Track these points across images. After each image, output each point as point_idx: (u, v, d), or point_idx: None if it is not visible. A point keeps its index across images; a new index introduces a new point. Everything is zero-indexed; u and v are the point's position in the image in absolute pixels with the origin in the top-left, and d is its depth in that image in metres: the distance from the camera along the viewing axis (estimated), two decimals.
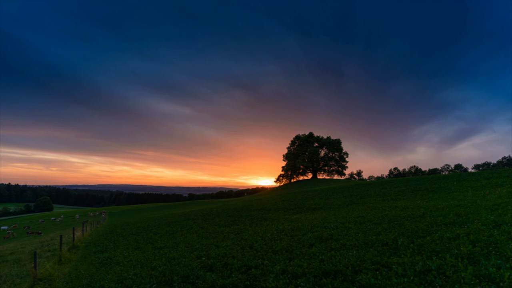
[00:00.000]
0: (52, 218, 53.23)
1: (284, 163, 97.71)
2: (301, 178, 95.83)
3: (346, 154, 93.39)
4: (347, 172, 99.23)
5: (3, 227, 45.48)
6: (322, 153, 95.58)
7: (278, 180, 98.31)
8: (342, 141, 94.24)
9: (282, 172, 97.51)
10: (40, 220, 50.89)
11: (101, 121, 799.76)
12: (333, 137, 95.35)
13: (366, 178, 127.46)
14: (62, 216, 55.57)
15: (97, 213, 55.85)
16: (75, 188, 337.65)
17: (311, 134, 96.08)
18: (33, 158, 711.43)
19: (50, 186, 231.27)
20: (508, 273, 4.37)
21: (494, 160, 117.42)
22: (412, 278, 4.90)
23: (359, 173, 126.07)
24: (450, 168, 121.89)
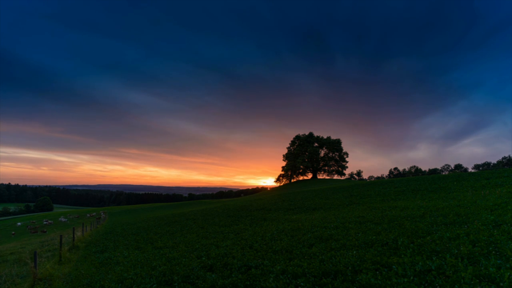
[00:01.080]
0: (62, 218, 51.83)
1: (284, 163, 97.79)
2: (301, 178, 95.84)
3: (346, 154, 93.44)
4: (347, 172, 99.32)
5: (18, 223, 46.20)
6: (322, 153, 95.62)
7: (278, 180, 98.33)
8: (333, 137, 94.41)
9: (282, 172, 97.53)
10: (44, 221, 48.17)
11: (68, 114, 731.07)
12: (333, 137, 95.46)
13: (366, 178, 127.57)
14: (69, 215, 55.08)
15: (95, 213, 55.30)
16: (75, 188, 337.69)
17: (311, 134, 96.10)
18: (18, 157, 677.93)
19: (50, 186, 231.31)
20: (508, 273, 4.38)
21: (500, 158, 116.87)
22: (412, 278, 4.90)
23: (359, 173, 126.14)
24: (450, 168, 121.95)
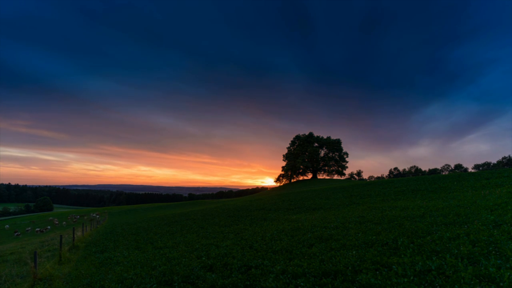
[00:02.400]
0: (75, 216, 50.65)
1: (284, 163, 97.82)
2: (301, 178, 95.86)
3: (346, 154, 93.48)
4: (347, 172, 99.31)
5: (6, 226, 45.78)
6: (322, 153, 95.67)
7: (278, 180, 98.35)
8: (325, 130, 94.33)
9: (282, 172, 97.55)
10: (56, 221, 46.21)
11: (29, 105, 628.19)
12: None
13: (366, 178, 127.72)
14: (78, 216, 54.51)
15: (79, 216, 53.15)
16: (75, 188, 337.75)
17: (311, 134, 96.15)
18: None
19: (50, 186, 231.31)
20: (508, 273, 4.37)
21: (500, 158, 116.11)
22: (412, 278, 4.90)
23: (359, 173, 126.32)
24: (450, 168, 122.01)
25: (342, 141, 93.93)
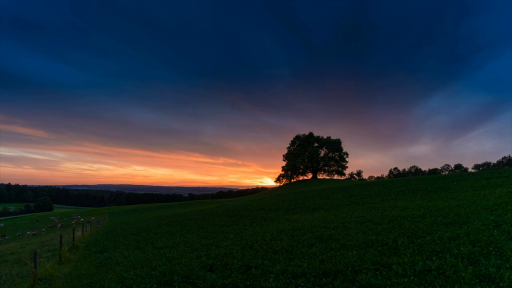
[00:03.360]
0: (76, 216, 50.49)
1: (284, 163, 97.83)
2: (301, 178, 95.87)
3: (346, 154, 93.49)
4: (347, 172, 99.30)
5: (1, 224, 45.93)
6: (322, 153, 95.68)
7: (278, 180, 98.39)
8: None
9: (282, 172, 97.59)
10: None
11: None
12: (333, 137, 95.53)
13: (366, 178, 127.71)
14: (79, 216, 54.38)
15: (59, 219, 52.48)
16: (75, 188, 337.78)
17: (311, 134, 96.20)
18: None
19: (50, 186, 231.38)
20: (508, 273, 4.37)
21: (500, 158, 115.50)
22: (412, 278, 4.90)
23: (359, 173, 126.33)
24: (450, 168, 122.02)
25: (340, 139, 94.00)
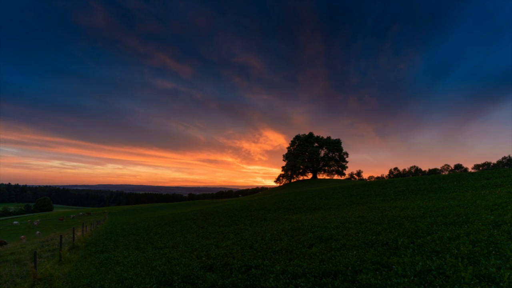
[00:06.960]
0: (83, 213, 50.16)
1: (284, 163, 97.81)
2: (301, 178, 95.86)
3: (346, 154, 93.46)
4: (347, 172, 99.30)
5: (15, 222, 46.48)
6: (322, 153, 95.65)
7: (278, 180, 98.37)
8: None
9: (282, 172, 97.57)
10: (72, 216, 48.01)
11: None
12: (333, 137, 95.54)
13: (366, 178, 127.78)
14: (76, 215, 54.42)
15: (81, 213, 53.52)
16: (75, 188, 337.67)
17: (311, 134, 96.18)
18: None
19: (50, 186, 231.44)
20: (508, 273, 4.37)
21: (500, 158, 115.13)
22: (412, 278, 4.89)
23: (359, 173, 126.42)
24: (450, 168, 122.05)
25: (340, 139, 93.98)
